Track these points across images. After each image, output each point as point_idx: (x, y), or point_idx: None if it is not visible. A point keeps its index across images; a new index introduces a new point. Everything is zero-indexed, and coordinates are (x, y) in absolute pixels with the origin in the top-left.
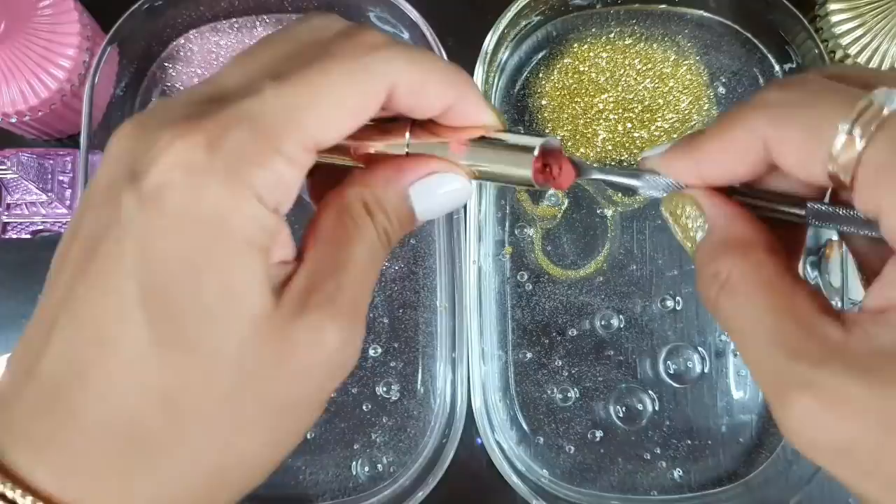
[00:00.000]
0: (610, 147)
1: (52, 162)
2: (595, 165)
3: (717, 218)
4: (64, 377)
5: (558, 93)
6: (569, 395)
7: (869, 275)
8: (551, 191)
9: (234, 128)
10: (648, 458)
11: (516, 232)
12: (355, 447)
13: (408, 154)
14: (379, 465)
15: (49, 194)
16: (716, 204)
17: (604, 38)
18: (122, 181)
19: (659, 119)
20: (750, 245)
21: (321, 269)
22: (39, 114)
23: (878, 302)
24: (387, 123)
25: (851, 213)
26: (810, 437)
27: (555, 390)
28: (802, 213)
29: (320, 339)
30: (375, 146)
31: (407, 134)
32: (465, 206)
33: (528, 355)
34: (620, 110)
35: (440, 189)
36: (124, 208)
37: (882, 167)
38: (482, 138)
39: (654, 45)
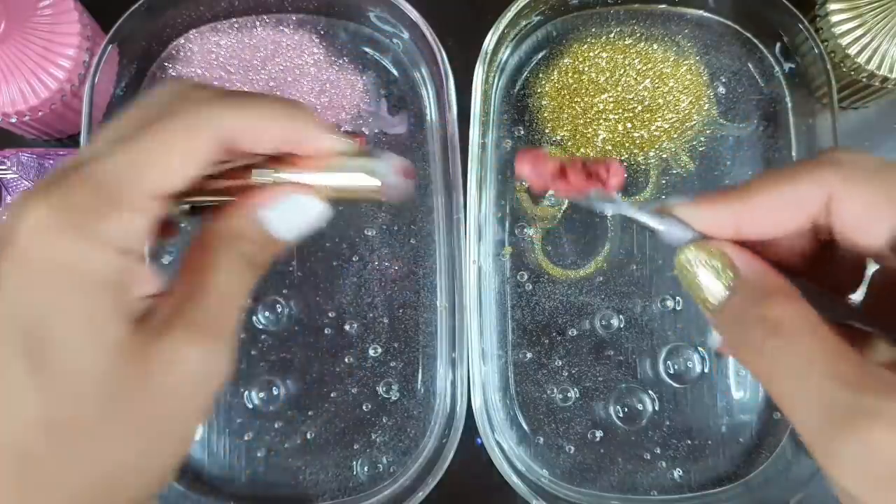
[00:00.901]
0: (610, 147)
1: (52, 162)
2: (625, 201)
3: (751, 267)
4: None
5: (558, 93)
6: (569, 395)
7: None
8: (550, 192)
9: (78, 189)
10: (648, 458)
11: (516, 232)
12: (355, 447)
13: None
14: (379, 465)
15: None
16: (746, 256)
17: (604, 38)
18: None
19: (659, 119)
20: (791, 291)
21: (183, 296)
22: (39, 114)
23: None
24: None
25: (839, 299)
26: (882, 466)
27: (555, 390)
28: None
29: (179, 358)
30: (243, 183)
31: (271, 171)
32: (464, 207)
33: (528, 355)
34: (620, 110)
35: (287, 209)
36: (2, 272)
37: None
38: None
39: (654, 45)
